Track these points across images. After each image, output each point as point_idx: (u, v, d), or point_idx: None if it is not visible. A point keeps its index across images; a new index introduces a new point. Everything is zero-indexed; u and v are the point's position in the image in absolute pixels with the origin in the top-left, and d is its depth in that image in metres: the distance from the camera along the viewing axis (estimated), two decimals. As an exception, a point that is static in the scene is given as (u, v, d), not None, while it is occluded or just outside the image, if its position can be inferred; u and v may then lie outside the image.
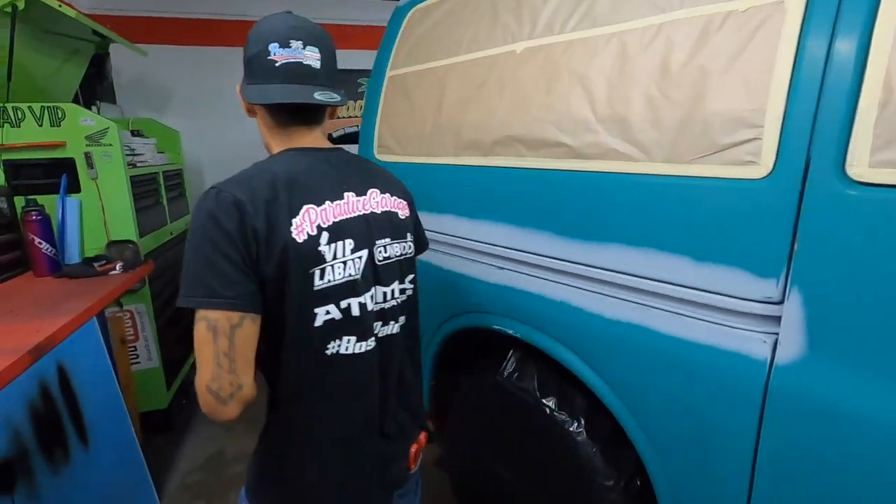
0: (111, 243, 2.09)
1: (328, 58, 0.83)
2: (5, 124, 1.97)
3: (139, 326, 2.27)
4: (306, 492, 0.83)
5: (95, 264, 1.86)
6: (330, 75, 0.84)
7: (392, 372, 0.89)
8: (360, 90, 4.01)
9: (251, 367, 0.74)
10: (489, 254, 1.37)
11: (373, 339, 0.84)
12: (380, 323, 0.86)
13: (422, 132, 1.59)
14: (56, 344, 1.31)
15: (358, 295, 0.81)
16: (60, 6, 1.98)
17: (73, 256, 2.01)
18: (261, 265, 0.73)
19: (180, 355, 2.65)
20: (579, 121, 1.11)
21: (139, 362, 2.30)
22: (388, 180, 0.94)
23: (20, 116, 1.98)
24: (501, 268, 1.34)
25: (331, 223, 0.79)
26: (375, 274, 0.84)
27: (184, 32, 3.60)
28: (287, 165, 0.81)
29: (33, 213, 1.81)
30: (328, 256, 0.78)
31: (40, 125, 2.00)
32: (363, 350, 0.82)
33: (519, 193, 1.27)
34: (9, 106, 1.96)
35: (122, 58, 3.31)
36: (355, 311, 0.80)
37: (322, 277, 0.77)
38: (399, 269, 0.89)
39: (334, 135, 4.03)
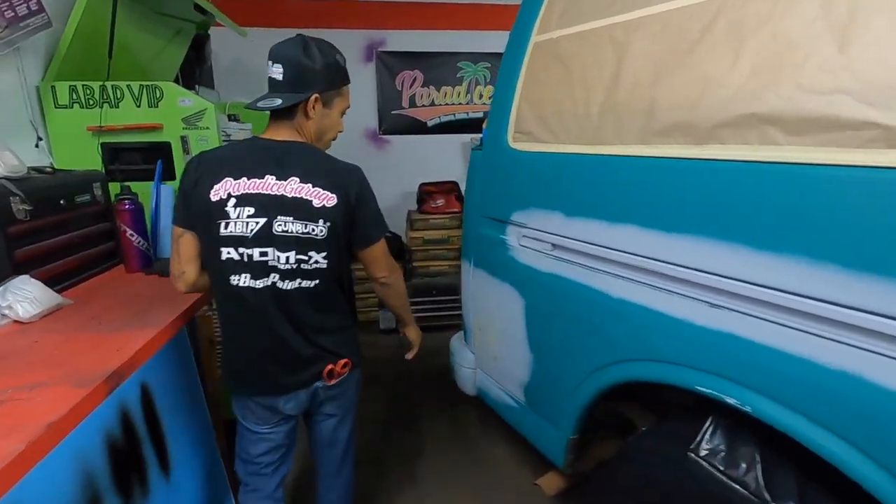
0: (204, 237, 1.90)
1: (291, 70, 1.12)
2: (104, 104, 1.83)
3: (228, 327, 2.09)
4: (230, 373, 1.25)
5: (187, 261, 1.66)
6: (293, 83, 1.13)
7: (295, 317, 1.15)
8: (458, 75, 3.68)
9: (191, 263, 1.17)
10: (700, 285, 0.96)
11: (265, 283, 1.12)
12: (277, 276, 1.12)
13: (586, 113, 1.21)
14: (139, 365, 1.08)
15: (248, 247, 1.10)
16: (163, -26, 1.80)
17: (165, 251, 1.83)
18: (191, 207, 1.12)
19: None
20: (914, 87, 0.68)
21: (227, 366, 2.11)
22: (315, 171, 1.13)
23: (119, 96, 1.83)
24: (721, 307, 0.93)
25: (240, 193, 1.09)
26: (271, 238, 1.10)
27: (281, 14, 3.45)
28: (236, 148, 1.18)
29: (126, 201, 1.63)
30: (232, 215, 1.09)
31: (138, 105, 1.84)
32: (259, 287, 1.12)
33: (767, 201, 0.85)
34: (108, 84, 1.81)
35: (220, 41, 3.21)
36: (245, 258, 1.10)
37: (226, 228, 1.09)
38: (297, 243, 1.12)
39: (429, 123, 3.74)
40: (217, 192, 1.08)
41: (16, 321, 1.21)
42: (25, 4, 1.54)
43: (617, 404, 1.43)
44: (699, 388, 0.96)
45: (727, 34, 0.92)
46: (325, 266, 1.15)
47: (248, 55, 3.45)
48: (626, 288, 1.12)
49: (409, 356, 1.51)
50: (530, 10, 1.44)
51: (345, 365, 1.24)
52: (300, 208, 1.10)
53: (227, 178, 1.09)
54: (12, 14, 1.50)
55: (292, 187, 1.10)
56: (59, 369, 0.97)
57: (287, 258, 1.11)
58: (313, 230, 1.11)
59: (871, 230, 0.72)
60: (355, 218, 1.16)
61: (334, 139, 1.28)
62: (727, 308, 0.91)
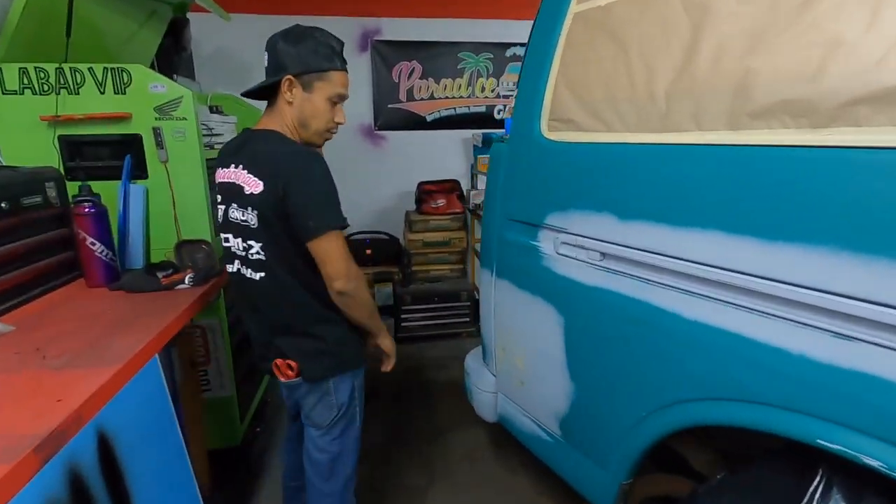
0: (182, 244, 1.65)
1: (272, 55, 1.13)
2: (62, 90, 1.56)
3: (211, 346, 1.84)
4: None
5: (160, 274, 1.41)
6: (273, 68, 1.14)
7: (255, 307, 1.20)
8: (458, 66, 3.45)
9: None
10: (820, 309, 0.74)
11: (234, 269, 1.21)
12: (239, 263, 1.19)
13: (650, 94, 0.99)
14: (89, 417, 0.83)
15: (223, 233, 1.21)
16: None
17: (135, 260, 1.58)
18: None
19: (253, 380, 2.22)
20: None
21: (210, 389, 1.86)
22: (256, 158, 1.11)
23: (79, 80, 1.57)
24: (854, 338, 0.71)
25: (218, 182, 1.20)
26: (228, 225, 1.18)
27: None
28: (234, 138, 1.25)
29: (86, 204, 1.38)
30: (218, 203, 1.21)
31: (102, 92, 1.58)
32: (248, 276, 1.17)
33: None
34: (66, 66, 1.55)
35: (200, 27, 2.94)
36: (226, 244, 1.21)
37: (215, 215, 1.25)
38: (242, 231, 1.14)
39: (428, 118, 3.50)
40: (215, 182, 1.22)
41: (-65, 356, 0.96)
42: (-41, -33, 1.28)
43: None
44: (824, 443, 0.74)
45: (861, -17, 0.70)
46: (264, 258, 1.13)
47: (231, 43, 3.18)
48: (706, 309, 0.90)
49: (386, 368, 1.36)
50: (567, -24, 1.22)
51: (290, 367, 1.19)
52: (240, 195, 1.12)
53: (219, 168, 1.20)
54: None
55: (234, 173, 1.13)
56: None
57: (238, 245, 1.17)
58: (248, 219, 1.12)
59: None
60: (287, 207, 1.07)
61: (332, 131, 1.21)
62: (865, 341, 0.70)
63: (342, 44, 1.17)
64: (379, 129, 3.44)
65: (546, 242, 1.26)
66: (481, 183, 3.46)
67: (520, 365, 1.43)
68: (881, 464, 0.68)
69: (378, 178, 3.48)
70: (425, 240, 3.30)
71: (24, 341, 1.04)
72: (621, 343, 1.08)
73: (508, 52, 3.49)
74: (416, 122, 3.47)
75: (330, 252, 1.08)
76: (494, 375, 1.58)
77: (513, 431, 1.54)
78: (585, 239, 1.13)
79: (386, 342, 1.32)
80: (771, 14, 0.80)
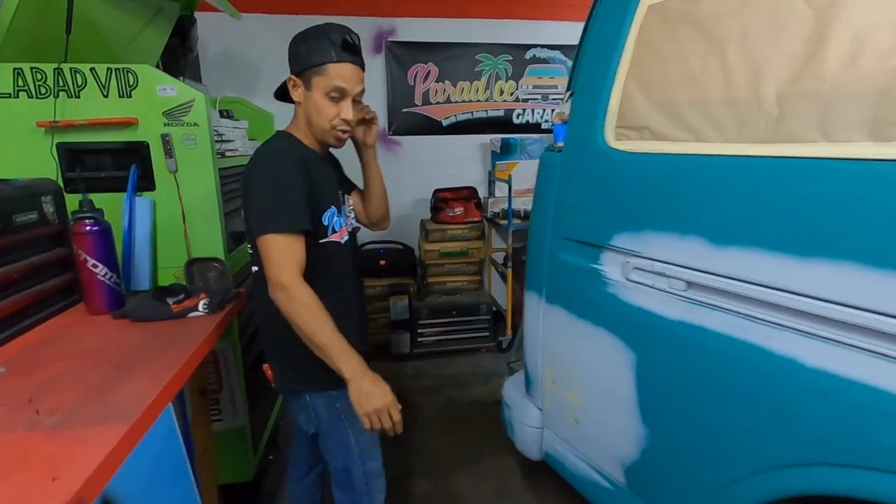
0: (192, 262, 1.50)
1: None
2: (61, 93, 1.41)
3: (223, 373, 1.68)
4: None
5: (170, 300, 1.25)
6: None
7: (254, 309, 1.27)
8: (476, 68, 3.30)
9: None
10: None
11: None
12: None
13: (753, 96, 0.83)
14: (97, 492, 0.67)
15: None
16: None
17: (141, 282, 1.42)
18: None
19: (266, 409, 2.06)
20: None
21: (221, 419, 1.70)
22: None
23: (80, 83, 1.41)
24: None
25: None
26: None
27: None
28: None
29: (87, 221, 1.22)
30: None
31: (105, 95, 1.43)
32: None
33: None
34: (66, 67, 1.40)
35: (208, 27, 2.79)
36: None
37: None
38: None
39: (444, 122, 3.35)
40: None
41: None
42: (-55, -46, 1.13)
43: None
44: None
45: None
46: (250, 258, 1.16)
47: (239, 43, 3.04)
48: (835, 356, 0.74)
49: (375, 425, 0.99)
50: (637, -36, 1.07)
51: (269, 371, 1.21)
52: None
53: None
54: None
55: None
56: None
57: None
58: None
59: None
60: (244, 208, 1.10)
61: (339, 129, 1.12)
62: None
63: (348, 34, 1.08)
64: (393, 135, 3.29)
65: (612, 266, 1.11)
66: (499, 190, 3.31)
67: (574, 401, 1.28)
68: None
69: (392, 184, 3.27)
70: (442, 250, 3.14)
71: (14, 389, 0.88)
72: (713, 388, 0.92)
73: (528, 55, 3.34)
74: (432, 127, 3.32)
75: (265, 255, 1.01)
76: (540, 409, 1.43)
77: (562, 473, 1.38)
78: (666, 265, 0.98)
79: (346, 374, 0.96)
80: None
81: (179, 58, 2.56)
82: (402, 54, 3.19)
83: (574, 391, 1.27)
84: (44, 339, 1.11)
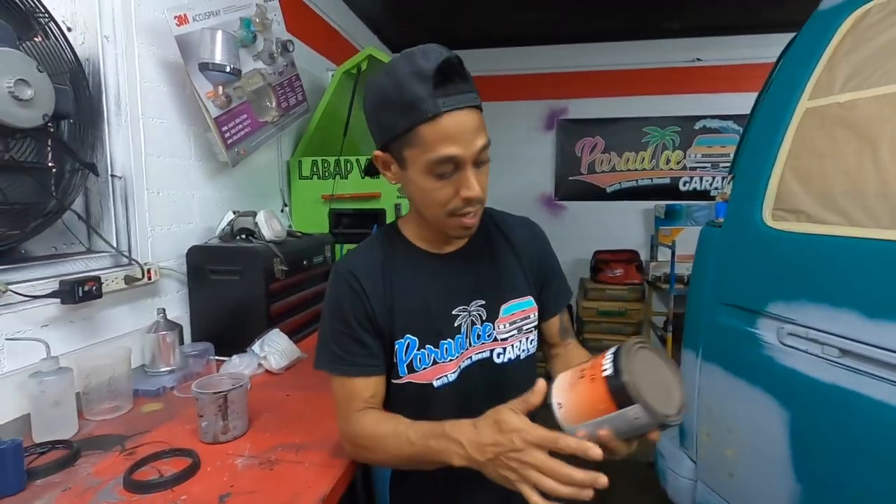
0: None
1: None
2: (337, 175, 2.07)
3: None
4: None
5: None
6: None
7: None
8: (643, 140, 3.51)
9: None
10: None
11: None
12: None
13: (905, 191, 0.96)
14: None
15: None
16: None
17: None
18: None
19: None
20: None
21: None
22: None
23: (349, 168, 2.06)
24: None
25: None
26: None
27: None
28: None
29: (351, 263, 1.78)
30: None
31: (363, 177, 2.05)
32: None
33: None
34: (342, 159, 2.06)
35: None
36: None
37: None
38: None
39: (608, 189, 3.59)
40: None
41: (268, 371, 1.33)
42: (295, 96, 1.84)
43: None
44: None
45: None
46: None
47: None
48: None
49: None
50: (795, 72, 1.26)
51: None
52: None
53: None
54: (286, 104, 1.79)
55: None
56: (315, 432, 1.00)
57: None
58: None
59: None
60: None
61: (461, 212, 0.74)
62: None
63: (441, 57, 0.66)
64: (559, 200, 3.64)
65: (767, 331, 1.24)
66: (661, 255, 3.37)
67: (730, 455, 1.37)
68: None
69: (556, 245, 3.64)
70: (600, 308, 3.30)
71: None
72: (869, 451, 1.00)
73: (697, 125, 3.45)
74: (596, 194, 3.58)
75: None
76: (694, 462, 1.53)
77: (715, 527, 1.44)
78: (821, 333, 1.10)
79: (456, 448, 0.66)
80: None
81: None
82: (571, 129, 3.57)
83: (730, 445, 1.37)
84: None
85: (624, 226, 3.61)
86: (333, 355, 0.80)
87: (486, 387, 0.82)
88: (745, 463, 1.32)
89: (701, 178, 3.48)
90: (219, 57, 1.41)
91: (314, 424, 1.04)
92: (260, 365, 1.34)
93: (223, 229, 1.50)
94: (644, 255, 3.50)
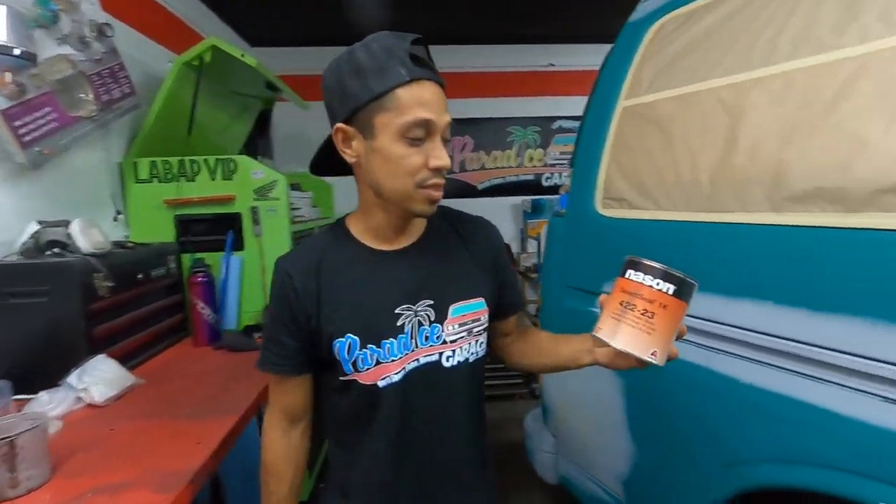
0: (268, 307, 1.86)
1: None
2: (181, 177, 1.87)
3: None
4: None
5: (255, 334, 1.60)
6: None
7: None
8: (508, 139, 3.71)
9: None
10: (864, 374, 0.81)
11: None
12: None
13: (695, 179, 1.12)
14: (221, 459, 0.98)
15: None
16: (244, 55, 1.88)
17: (230, 322, 1.79)
18: None
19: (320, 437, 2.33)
20: None
21: (284, 443, 2.00)
22: None
23: (195, 170, 1.87)
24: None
25: None
26: None
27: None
28: None
29: (200, 273, 1.62)
30: None
31: (213, 178, 1.88)
32: None
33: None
34: (186, 159, 1.86)
35: (278, 115, 3.36)
36: None
37: None
38: None
39: (479, 187, 3.74)
40: None
41: (90, 405, 1.15)
42: (119, 88, 1.62)
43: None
44: (886, 505, 0.78)
45: (876, 95, 0.83)
46: None
47: (307, 126, 3.59)
48: (763, 375, 0.97)
49: None
50: (614, 75, 1.41)
51: None
52: None
53: None
54: (108, 97, 1.57)
55: None
56: (139, 466, 0.88)
57: None
58: None
59: None
60: None
61: (428, 183, 0.71)
62: (914, 405, 0.76)
63: (409, 41, 0.69)
64: (434, 198, 3.70)
65: (604, 308, 1.37)
66: (531, 246, 3.60)
67: (581, 427, 1.49)
68: (947, 527, 0.72)
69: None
70: (478, 301, 3.42)
71: (155, 393, 1.23)
72: (681, 406, 1.14)
73: (555, 125, 3.73)
74: (468, 191, 3.71)
75: None
76: (555, 436, 1.64)
77: (575, 493, 1.57)
78: (642, 306, 1.23)
79: None
80: (798, 116, 0.93)
81: (258, 141, 3.10)
82: (442, 129, 3.66)
83: (581, 417, 1.49)
84: (166, 363, 1.47)
85: (496, 221, 3.69)
86: (262, 350, 0.81)
87: (431, 390, 0.80)
88: (594, 432, 1.44)
89: (560, 174, 3.79)
90: (1, 37, 1.18)
91: (141, 457, 0.92)
92: (80, 399, 1.15)
93: (24, 244, 1.26)
94: (515, 248, 3.71)
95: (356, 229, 0.82)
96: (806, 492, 0.90)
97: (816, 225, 0.89)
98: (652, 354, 0.66)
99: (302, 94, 3.00)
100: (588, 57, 3.61)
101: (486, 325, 0.86)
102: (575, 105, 3.73)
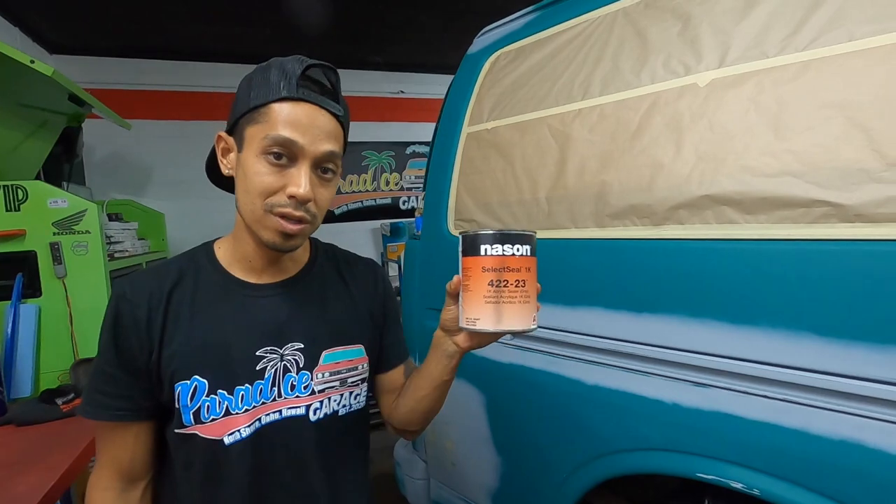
0: (80, 363, 1.54)
1: None
2: (-57, 210, 1.46)
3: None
4: None
5: (59, 400, 1.30)
6: None
7: None
8: (363, 163, 3.69)
9: None
10: (679, 364, 0.94)
11: None
12: None
13: (534, 199, 1.21)
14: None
15: None
16: (33, 62, 1.57)
17: (22, 388, 1.43)
18: None
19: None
20: (852, 169, 0.76)
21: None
22: None
23: (-35, 199, 1.49)
24: (707, 385, 0.91)
25: None
26: None
27: (166, 106, 3.22)
28: None
29: (-29, 331, 1.27)
30: None
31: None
32: None
33: (733, 276, 0.87)
34: (-50, 186, 1.47)
35: (94, 133, 2.89)
36: None
37: None
38: None
39: (336, 211, 3.64)
40: None
41: None
42: None
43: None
44: (701, 475, 0.90)
45: (666, 126, 0.98)
46: None
47: (129, 148, 3.13)
48: (600, 373, 1.07)
49: None
50: (457, 103, 1.48)
51: None
52: None
53: None
54: None
55: None
56: None
57: None
58: None
59: (840, 298, 0.76)
60: None
61: (286, 217, 0.65)
62: (713, 386, 0.90)
63: (317, 66, 0.68)
64: (288, 225, 3.50)
65: (463, 327, 1.40)
66: (392, 269, 3.59)
67: (450, 447, 1.49)
68: (743, 486, 0.86)
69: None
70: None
71: None
72: (536, 411, 1.21)
73: (409, 150, 3.83)
74: (325, 216, 3.58)
75: None
76: (425, 462, 1.61)
77: (448, 517, 1.55)
78: (497, 321, 1.29)
79: None
80: (612, 143, 1.07)
81: (63, 164, 2.62)
82: (293, 153, 3.50)
83: (449, 438, 1.49)
84: (-83, 455, 1.10)
85: (356, 245, 3.68)
86: (88, 395, 0.67)
87: (288, 449, 0.71)
88: (462, 450, 1.45)
89: (417, 198, 3.88)
90: None
91: None
92: None
93: None
94: (377, 272, 3.68)
95: (224, 256, 0.74)
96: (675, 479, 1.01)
97: (631, 237, 1.02)
98: (533, 321, 0.66)
99: (124, 110, 2.63)
100: (435, 86, 3.80)
101: (366, 375, 0.79)
102: (426, 131, 3.88)
